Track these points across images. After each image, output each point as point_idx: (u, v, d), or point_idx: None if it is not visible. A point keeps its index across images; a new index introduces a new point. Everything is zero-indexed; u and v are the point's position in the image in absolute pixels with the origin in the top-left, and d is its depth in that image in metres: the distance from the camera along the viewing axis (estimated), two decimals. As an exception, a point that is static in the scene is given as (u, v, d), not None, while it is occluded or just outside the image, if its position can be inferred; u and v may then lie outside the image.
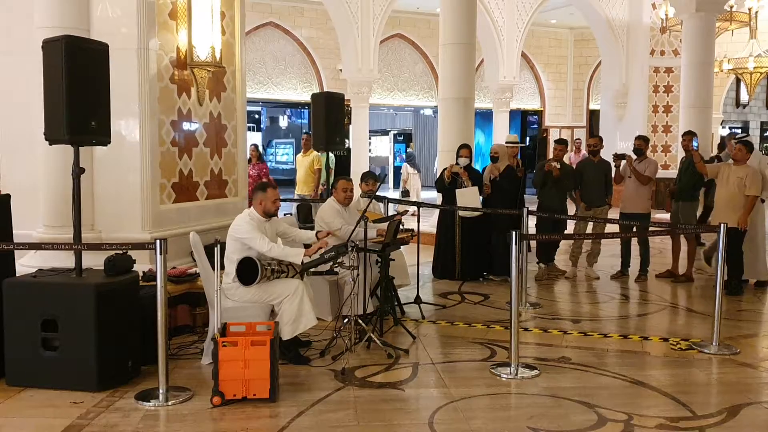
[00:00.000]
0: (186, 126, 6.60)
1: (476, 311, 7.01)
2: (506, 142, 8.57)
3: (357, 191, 6.73)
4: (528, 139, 25.49)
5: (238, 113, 7.36)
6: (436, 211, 10.94)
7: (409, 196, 13.75)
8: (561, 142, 8.84)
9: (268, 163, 27.59)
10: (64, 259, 5.49)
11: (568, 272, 8.82)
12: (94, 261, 5.12)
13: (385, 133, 29.49)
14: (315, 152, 11.28)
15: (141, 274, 5.35)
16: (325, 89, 18.47)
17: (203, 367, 5.06)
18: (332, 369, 5.03)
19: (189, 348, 5.52)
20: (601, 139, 9.02)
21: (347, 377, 4.87)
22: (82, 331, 4.52)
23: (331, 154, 11.28)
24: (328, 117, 7.89)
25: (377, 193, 6.96)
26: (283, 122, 27.90)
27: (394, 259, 6.24)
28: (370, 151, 29.22)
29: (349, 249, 5.14)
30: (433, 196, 16.99)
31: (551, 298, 7.80)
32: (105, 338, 4.55)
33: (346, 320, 5.45)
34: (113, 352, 4.61)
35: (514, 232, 5.03)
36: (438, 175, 8.87)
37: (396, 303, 6.52)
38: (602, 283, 8.52)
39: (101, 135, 4.72)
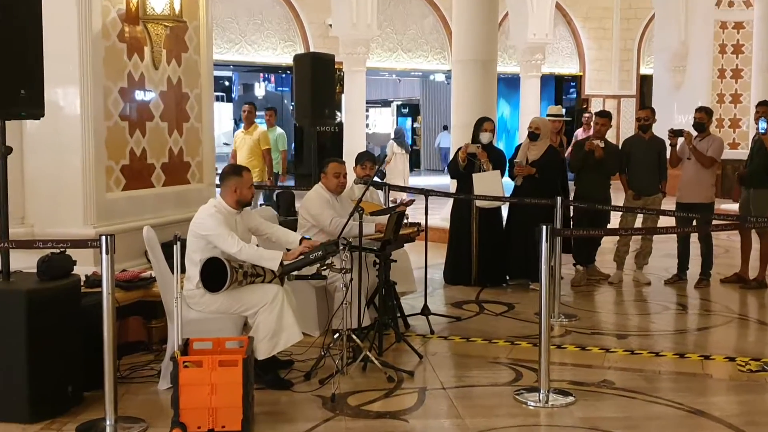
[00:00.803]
0: (138, 95, 6.61)
1: (498, 324, 7.05)
2: (548, 115, 8.57)
3: (351, 176, 6.75)
4: (564, 110, 25.50)
5: (203, 79, 7.37)
6: (449, 202, 10.99)
7: (384, 178, 13.75)
8: (603, 115, 8.86)
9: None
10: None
11: (611, 276, 8.85)
12: (24, 262, 5.13)
13: (387, 104, 29.56)
14: (261, 128, 11.25)
15: (83, 278, 5.39)
16: (312, 49, 18.49)
17: (160, 392, 5.09)
18: (320, 395, 5.06)
19: (143, 369, 5.55)
20: (653, 112, 9.03)
21: (338, 405, 4.89)
22: (10, 348, 4.54)
23: (280, 130, 11.29)
24: (314, 84, 7.92)
25: (375, 179, 6.98)
26: (260, 90, 27.90)
27: (396, 261, 6.28)
28: (367, 126, 29.34)
29: (341, 247, 5.15)
30: (442, 182, 16.97)
31: (591, 308, 7.83)
32: (38, 357, 4.57)
33: (336, 335, 5.47)
34: (49, 374, 4.64)
35: (544, 227, 5.05)
36: (451, 157, 8.89)
37: (399, 314, 6.56)
38: (654, 289, 8.55)
39: (32, 106, 4.73)
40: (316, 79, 7.98)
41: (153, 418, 4.65)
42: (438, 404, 5.02)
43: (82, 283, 5.11)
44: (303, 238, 5.47)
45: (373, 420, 4.71)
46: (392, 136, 18.18)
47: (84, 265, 5.40)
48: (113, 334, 4.50)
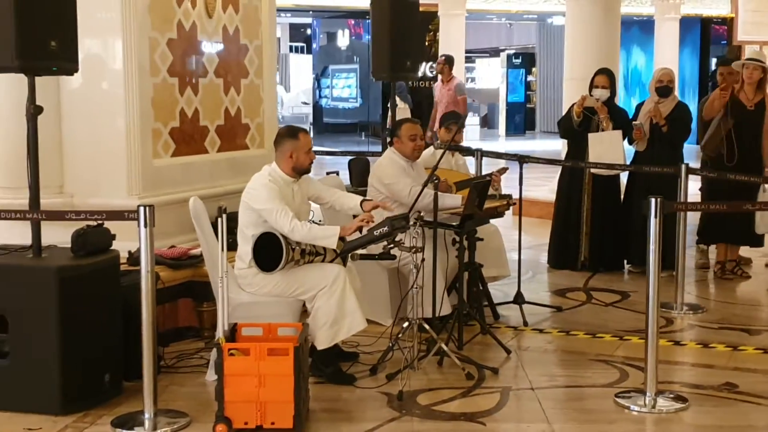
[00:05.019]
0: (189, 47, 6.83)
1: (607, 316, 7.07)
2: (747, 59, 8.31)
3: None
4: (714, 60, 24.88)
5: (264, 28, 7.55)
6: (556, 171, 10.95)
7: None
8: (725, 63, 8.64)
9: (322, 100, 28.05)
10: (18, 233, 5.77)
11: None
12: (61, 237, 5.36)
13: (496, 53, 29.35)
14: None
15: (127, 255, 5.66)
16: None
17: (208, 384, 5.31)
18: (386, 392, 5.20)
19: (191, 358, 5.82)
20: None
21: (406, 404, 5.02)
22: (42, 333, 4.81)
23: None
24: (393, 31, 7.97)
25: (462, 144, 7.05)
26: (344, 40, 28.12)
27: (482, 239, 6.34)
28: (473, 80, 29.15)
29: (411, 222, 5.26)
30: (559, 147, 16.69)
31: (723, 297, 7.77)
32: (72, 342, 4.84)
33: (406, 325, 5.60)
34: (84, 361, 4.90)
35: (652, 200, 5.06)
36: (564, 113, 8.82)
37: (485, 302, 6.64)
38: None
39: (65, 60, 4.98)
40: (396, 25, 8.02)
41: (197, 411, 4.88)
42: (523, 407, 5.10)
43: (122, 260, 5.36)
44: (363, 201, 5.58)
45: (445, 422, 4.82)
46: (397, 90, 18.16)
47: (126, 239, 5.54)
48: (152, 317, 4.72)
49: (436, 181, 5.64)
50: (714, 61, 24.58)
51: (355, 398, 5.17)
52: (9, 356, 4.87)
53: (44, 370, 4.82)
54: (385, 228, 5.19)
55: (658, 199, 5.10)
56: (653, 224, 5.09)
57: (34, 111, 4.97)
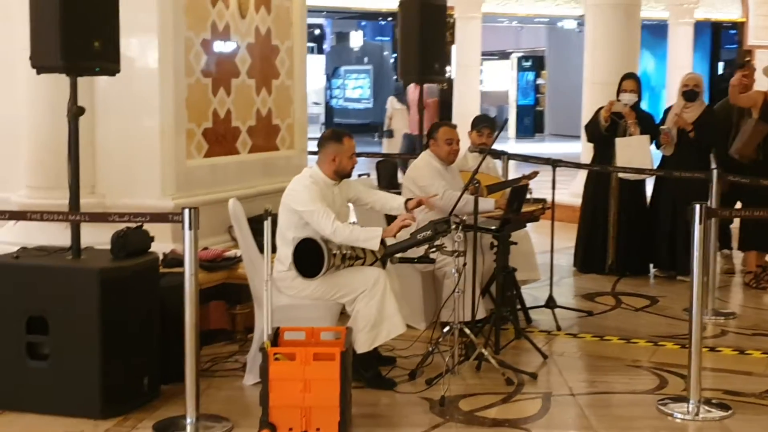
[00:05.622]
0: (222, 47, 6.80)
1: (638, 321, 7.03)
2: None
3: (464, 143, 6.76)
4: (722, 65, 24.88)
5: (295, 29, 7.53)
6: (579, 174, 10.89)
7: (392, 137, 13.96)
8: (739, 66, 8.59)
9: (333, 100, 28.01)
10: (56, 234, 5.75)
11: None
12: (95, 237, 5.32)
13: (505, 56, 29.33)
14: None
15: (162, 256, 5.60)
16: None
17: (246, 388, 5.29)
18: (427, 397, 5.16)
19: (226, 361, 5.77)
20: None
21: (448, 410, 4.98)
22: (82, 335, 4.77)
23: None
24: (422, 34, 7.95)
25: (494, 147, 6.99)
26: (356, 41, 28.11)
27: (516, 243, 6.30)
28: (480, 83, 29.11)
29: (453, 226, 5.21)
30: (570, 150, 16.71)
31: (754, 304, 7.74)
32: (112, 344, 4.80)
33: (447, 329, 5.55)
34: (124, 364, 4.86)
35: (697, 206, 5.01)
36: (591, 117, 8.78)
37: (519, 306, 6.59)
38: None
39: (108, 60, 4.95)
40: (425, 29, 8.00)
41: (238, 416, 4.83)
42: (566, 413, 5.06)
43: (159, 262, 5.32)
44: (407, 201, 5.56)
45: (489, 428, 4.79)
46: (393, 92, 18.09)
47: (160, 241, 5.56)
48: (196, 320, 4.67)
49: (477, 185, 5.59)
50: (721, 65, 24.61)
51: (395, 403, 5.13)
52: (49, 358, 4.83)
53: (84, 373, 4.79)
54: (429, 231, 5.17)
55: (703, 206, 5.03)
56: (697, 230, 5.02)
57: (75, 111, 4.93)
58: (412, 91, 12.86)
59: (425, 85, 12.59)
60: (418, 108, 11.51)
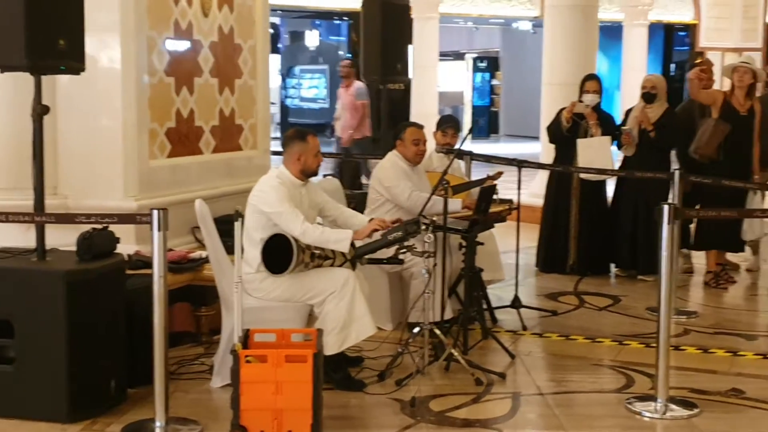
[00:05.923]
0: (185, 46, 6.73)
1: (602, 320, 7.08)
2: (741, 62, 8.31)
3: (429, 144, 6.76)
4: (673, 66, 25.16)
5: (258, 28, 7.47)
6: (539, 175, 10.95)
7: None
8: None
9: (287, 100, 27.84)
10: (16, 236, 5.65)
11: (750, 263, 8.81)
12: (58, 239, 5.24)
13: (460, 56, 29.38)
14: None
15: (126, 258, 5.53)
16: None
17: (214, 390, 5.24)
18: (397, 398, 5.14)
19: (192, 364, 5.71)
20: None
21: (419, 410, 4.97)
22: (48, 338, 4.69)
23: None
24: (385, 35, 7.92)
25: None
26: (312, 40, 28.03)
27: (483, 243, 6.31)
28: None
29: (423, 227, 5.20)
30: (526, 150, 16.79)
31: (714, 303, 7.80)
32: (80, 348, 4.73)
33: (417, 330, 5.53)
34: (91, 367, 4.79)
35: (665, 206, 5.04)
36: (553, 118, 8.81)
37: (485, 306, 6.60)
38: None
39: (73, 59, 4.88)
40: (387, 29, 7.97)
41: (207, 419, 4.79)
42: (535, 412, 5.08)
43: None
44: (371, 221, 5.54)
45: (460, 428, 4.79)
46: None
47: (123, 242, 5.44)
48: (165, 323, 4.62)
49: (446, 185, 5.59)
50: (673, 66, 24.92)
51: (365, 405, 5.11)
52: (15, 362, 4.75)
53: (51, 377, 4.71)
54: (399, 232, 5.17)
55: (672, 206, 5.08)
56: (666, 231, 5.06)
57: (40, 111, 4.83)
58: (344, 94, 12.70)
59: (354, 87, 12.60)
60: (349, 111, 11.47)
